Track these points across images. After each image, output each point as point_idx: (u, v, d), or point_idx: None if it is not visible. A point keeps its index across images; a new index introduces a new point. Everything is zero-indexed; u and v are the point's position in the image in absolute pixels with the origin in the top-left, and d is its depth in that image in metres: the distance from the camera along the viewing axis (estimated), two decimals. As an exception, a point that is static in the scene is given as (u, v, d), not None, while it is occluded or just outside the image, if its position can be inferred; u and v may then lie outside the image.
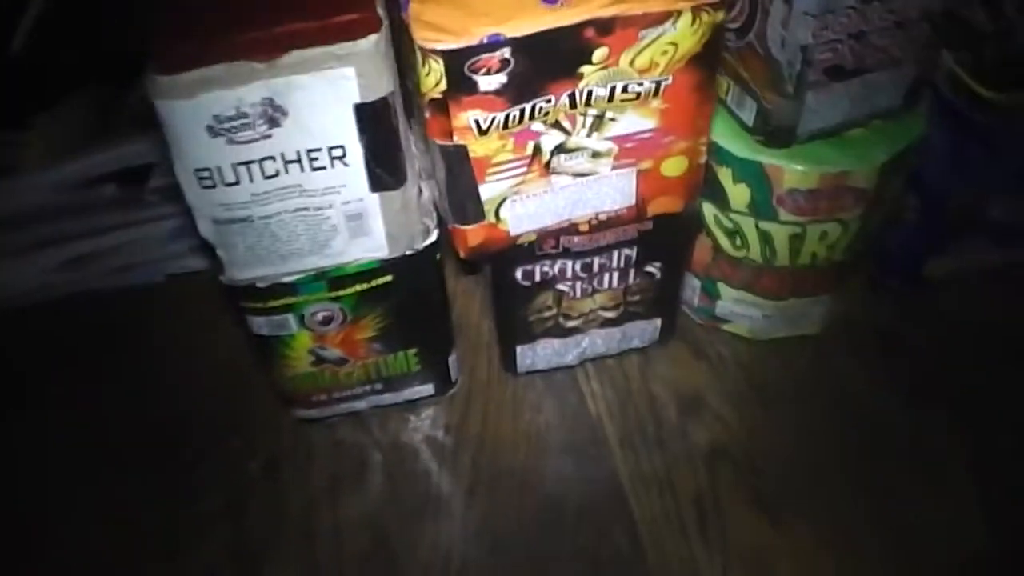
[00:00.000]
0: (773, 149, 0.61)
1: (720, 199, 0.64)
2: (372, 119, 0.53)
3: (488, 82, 0.51)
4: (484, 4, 0.51)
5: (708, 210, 0.65)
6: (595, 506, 0.64)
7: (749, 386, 0.70)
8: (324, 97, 0.51)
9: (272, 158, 0.53)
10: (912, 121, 0.63)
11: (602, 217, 0.60)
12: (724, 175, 0.62)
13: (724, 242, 0.66)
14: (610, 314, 0.68)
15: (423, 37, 0.49)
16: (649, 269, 0.65)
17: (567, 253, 0.62)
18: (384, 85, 0.52)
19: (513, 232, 0.59)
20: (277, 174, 0.54)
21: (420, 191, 0.60)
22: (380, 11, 0.51)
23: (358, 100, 0.52)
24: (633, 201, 0.60)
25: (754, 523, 0.63)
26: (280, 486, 0.65)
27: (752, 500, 0.64)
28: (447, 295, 0.66)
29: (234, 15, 0.50)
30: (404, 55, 0.53)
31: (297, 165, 0.54)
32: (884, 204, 0.64)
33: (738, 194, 0.63)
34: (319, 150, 0.53)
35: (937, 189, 0.68)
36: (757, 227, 0.64)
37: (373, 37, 0.50)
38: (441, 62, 0.49)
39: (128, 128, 0.76)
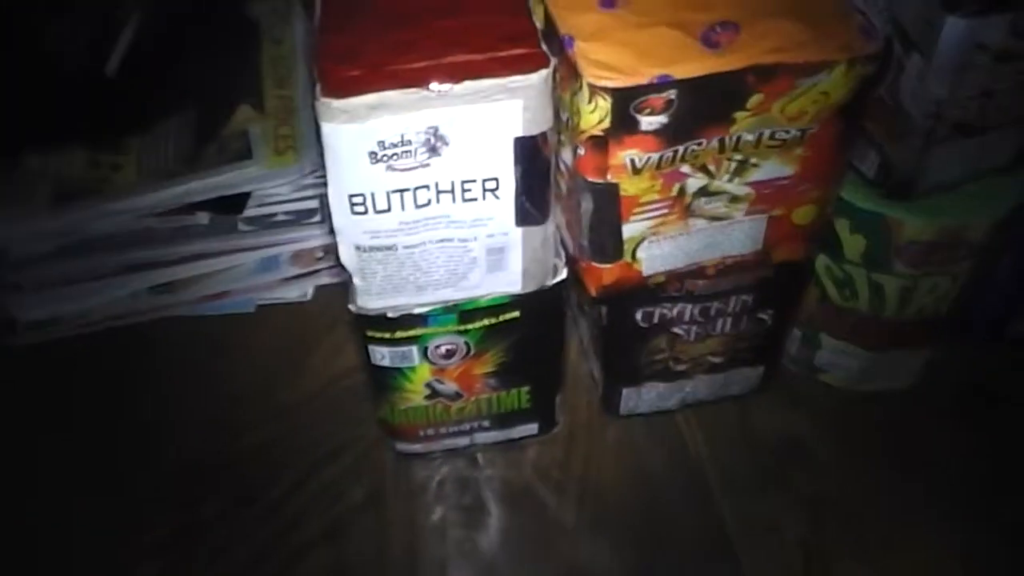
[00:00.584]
0: (893, 201, 0.63)
1: (834, 249, 0.66)
2: (530, 153, 0.54)
3: (649, 122, 0.53)
4: (648, 46, 0.53)
5: (820, 260, 0.67)
6: (701, 550, 0.65)
7: (847, 435, 0.71)
8: (487, 128, 0.53)
9: (427, 187, 0.54)
10: (1021, 178, 0.66)
11: (728, 262, 0.62)
12: (841, 226, 0.65)
13: (833, 292, 0.68)
14: (718, 359, 0.69)
15: (593, 74, 0.52)
16: (762, 316, 0.67)
17: (689, 296, 0.64)
18: (546, 120, 0.54)
19: (646, 272, 0.61)
20: (428, 203, 0.55)
21: (555, 230, 0.61)
22: (545, 48, 0.53)
23: (520, 133, 0.53)
24: (760, 247, 0.62)
25: (858, 572, 0.64)
26: (383, 519, 0.66)
27: (856, 549, 0.65)
28: (565, 335, 0.67)
29: (405, 44, 0.52)
30: (555, 93, 0.55)
31: (449, 195, 0.55)
32: (992, 258, 0.67)
33: (853, 244, 0.65)
34: (473, 181, 0.55)
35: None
36: (869, 278, 0.66)
37: (544, 72, 0.52)
38: (609, 99, 0.52)
39: (224, 155, 0.77)
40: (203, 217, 0.77)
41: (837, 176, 0.60)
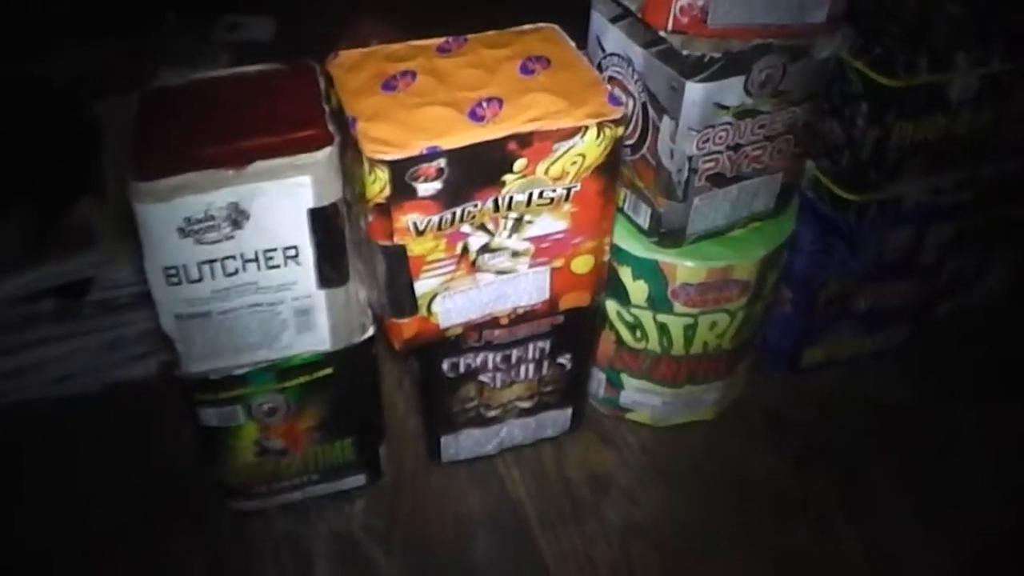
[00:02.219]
0: (666, 248, 0.74)
1: (621, 295, 0.76)
2: (323, 222, 0.64)
3: (425, 188, 0.63)
4: (421, 122, 0.63)
5: (611, 306, 0.77)
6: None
7: (654, 468, 0.81)
8: (282, 202, 0.62)
9: (233, 257, 0.63)
10: (783, 221, 0.77)
11: (520, 311, 0.72)
12: (624, 273, 0.75)
13: (626, 335, 0.78)
14: (526, 404, 0.79)
15: (371, 149, 0.61)
16: (561, 360, 0.77)
17: (489, 346, 0.73)
18: (335, 192, 0.64)
19: (443, 325, 0.70)
20: (236, 272, 0.64)
21: (358, 291, 0.70)
22: (331, 127, 0.63)
23: (312, 205, 0.63)
24: (547, 296, 0.71)
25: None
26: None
27: (665, 572, 0.74)
28: (381, 388, 0.76)
29: (205, 130, 0.62)
30: (347, 167, 0.65)
31: (255, 264, 0.64)
32: (764, 296, 0.77)
33: (637, 290, 0.75)
34: (275, 250, 0.64)
35: (807, 282, 0.83)
36: (655, 319, 0.76)
37: (328, 149, 0.62)
38: (386, 170, 0.61)
39: (67, 243, 0.85)
40: (48, 304, 0.84)
41: (606, 227, 0.70)
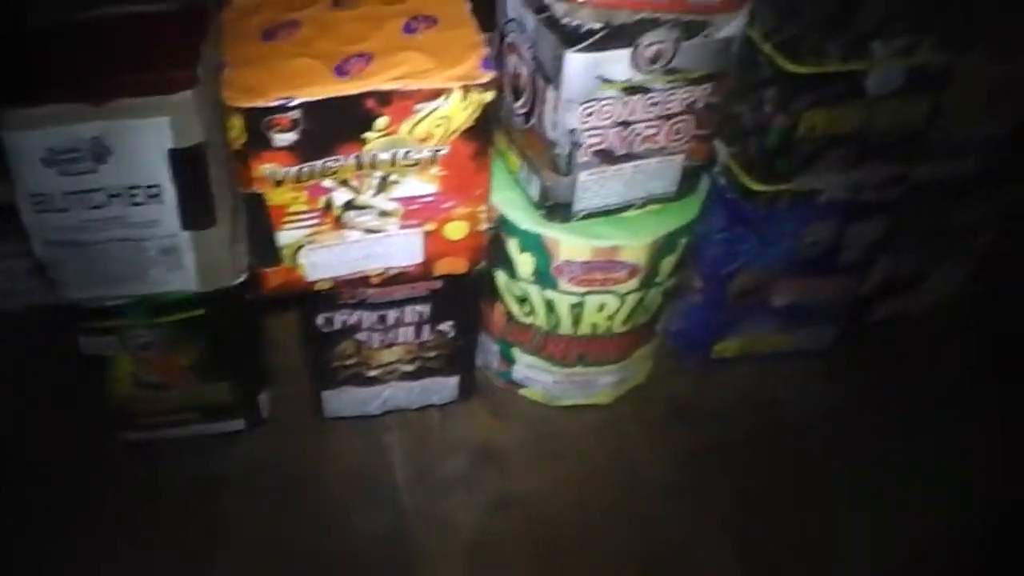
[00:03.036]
0: (553, 223, 0.73)
1: (510, 268, 0.76)
2: (184, 164, 0.65)
3: (281, 139, 0.64)
4: (285, 73, 0.64)
5: (500, 277, 0.77)
6: (376, 542, 0.74)
7: (538, 445, 0.81)
8: (143, 141, 0.64)
9: (98, 190, 0.65)
10: (685, 206, 0.76)
11: (392, 272, 0.72)
12: (512, 245, 0.75)
13: (515, 308, 0.78)
14: (408, 368, 0.79)
15: (227, 96, 0.62)
16: (442, 327, 0.77)
17: (363, 304, 0.74)
18: (196, 135, 0.65)
19: (310, 278, 0.71)
20: (102, 205, 0.66)
21: (235, 235, 0.72)
22: (201, 71, 0.65)
23: (171, 146, 0.64)
24: (420, 260, 0.72)
25: (525, 565, 0.73)
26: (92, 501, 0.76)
27: (529, 545, 0.75)
28: (259, 335, 0.77)
29: (79, 64, 0.64)
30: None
31: (120, 199, 0.66)
32: (659, 282, 0.76)
33: (524, 263, 0.75)
34: (138, 187, 0.66)
35: (716, 271, 0.81)
36: (542, 295, 0.76)
37: (187, 93, 0.63)
38: (241, 118, 0.62)
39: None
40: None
41: (480, 195, 0.70)
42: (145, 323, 0.72)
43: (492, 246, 0.75)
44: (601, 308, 0.76)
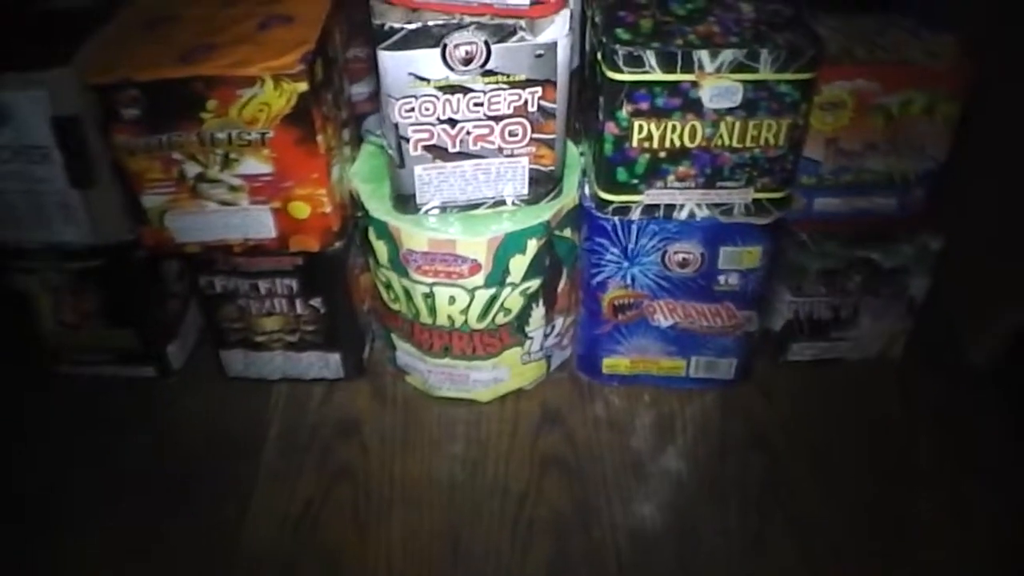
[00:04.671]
0: (402, 214, 0.78)
1: (373, 254, 0.81)
2: (65, 130, 0.77)
3: (128, 113, 0.74)
4: (138, 57, 0.74)
5: (372, 263, 0.83)
6: (217, 498, 0.81)
7: (402, 429, 0.85)
8: (31, 108, 0.76)
9: (3, 148, 0.78)
10: (542, 210, 0.78)
11: (251, 243, 0.80)
12: (371, 231, 0.80)
13: (384, 293, 0.83)
14: (290, 338, 0.86)
15: (86, 73, 0.73)
16: (313, 303, 0.84)
17: (237, 271, 0.82)
18: (73, 106, 0.76)
19: (178, 240, 0.80)
20: (8, 161, 0.79)
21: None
22: (82, 53, 0.76)
23: (53, 114, 0.76)
24: (274, 234, 0.79)
25: (344, 528, 0.78)
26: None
27: (351, 514, 0.79)
28: (159, 289, 0.87)
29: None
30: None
31: (21, 157, 0.78)
32: (513, 283, 0.79)
33: (380, 250, 0.80)
34: (33, 148, 0.78)
35: (587, 282, 0.82)
36: (400, 282, 0.81)
37: (63, 69, 0.75)
38: (95, 93, 0.73)
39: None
40: None
41: (317, 179, 0.77)
42: (54, 268, 0.84)
43: (360, 232, 0.81)
44: (452, 301, 0.80)
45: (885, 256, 0.82)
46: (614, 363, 0.87)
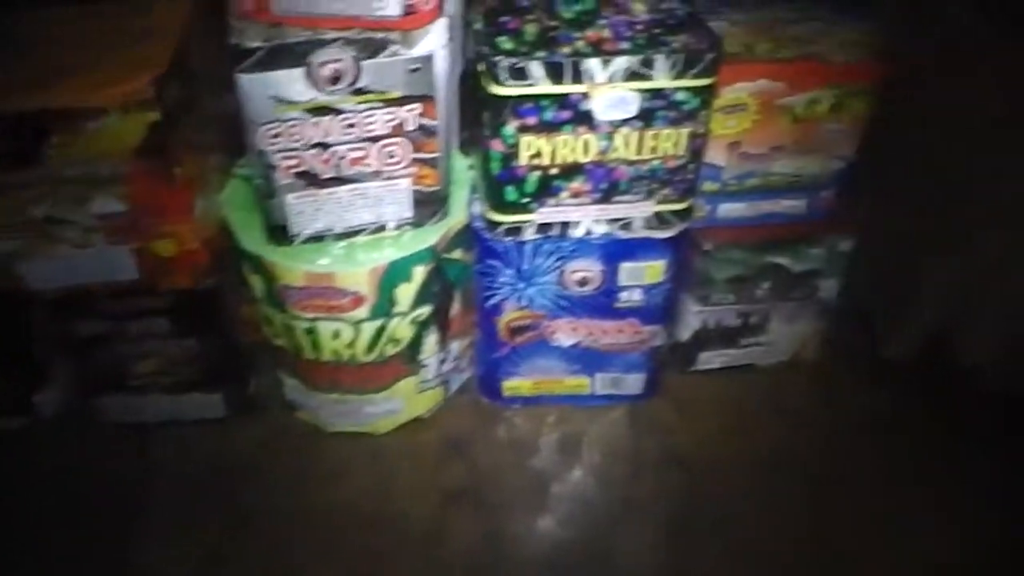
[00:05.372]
0: (279, 246, 0.72)
1: (248, 289, 0.75)
2: None
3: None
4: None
5: (249, 298, 0.76)
6: (110, 538, 0.75)
7: (296, 468, 0.79)
8: None
9: None
10: (425, 234, 0.72)
11: (114, 287, 0.73)
12: (245, 266, 0.73)
13: (266, 329, 0.77)
14: (168, 380, 0.79)
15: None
16: (188, 342, 0.77)
17: (103, 315, 0.75)
18: None
19: (32, 287, 0.72)
20: None
21: None
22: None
23: None
24: (138, 275, 0.72)
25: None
26: None
27: (253, 553, 0.74)
28: (18, 335, 0.79)
29: None
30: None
31: None
32: (403, 312, 0.74)
33: (255, 284, 0.74)
34: None
35: (481, 305, 0.77)
36: (279, 318, 0.74)
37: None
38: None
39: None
40: None
41: (181, 216, 0.70)
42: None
43: (233, 266, 0.74)
44: (336, 335, 0.74)
45: (794, 260, 0.78)
46: (515, 385, 0.82)
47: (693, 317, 0.81)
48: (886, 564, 0.73)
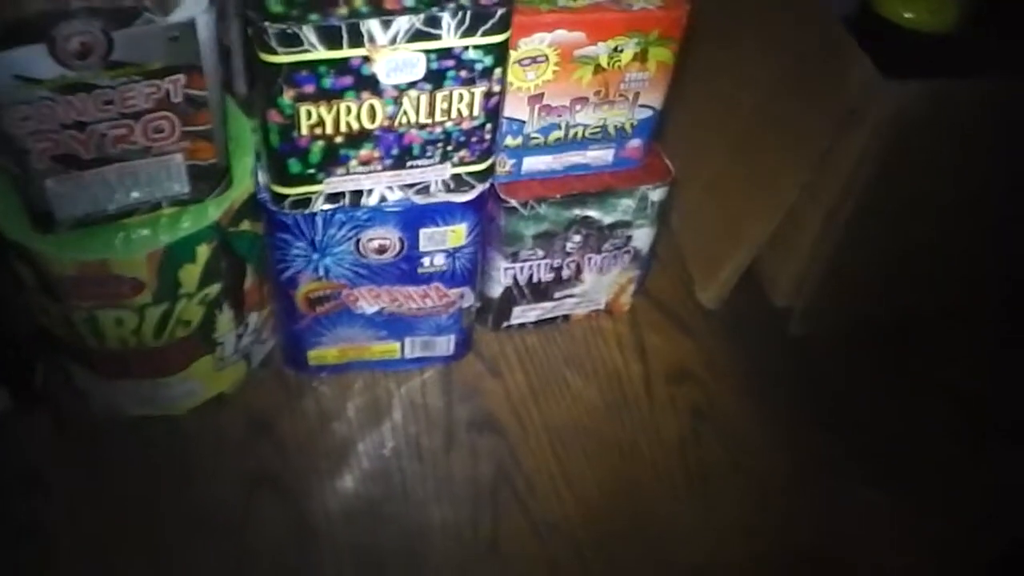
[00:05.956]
0: (43, 234, 0.65)
1: (17, 279, 0.68)
2: None
3: None
4: None
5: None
6: None
7: (90, 460, 0.75)
8: None
9: None
10: (204, 210, 0.67)
11: None
12: (12, 256, 0.66)
13: (45, 321, 0.70)
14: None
15: None
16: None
17: None
18: None
19: None
20: None
21: None
22: None
23: None
24: None
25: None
26: None
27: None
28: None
29: None
30: None
31: None
32: (189, 293, 0.68)
33: (26, 275, 0.67)
34: None
35: (276, 279, 0.72)
36: (55, 307, 0.68)
37: None
38: None
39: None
40: None
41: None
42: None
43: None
44: (120, 323, 0.68)
45: (604, 212, 0.75)
46: (320, 355, 0.78)
47: (503, 274, 0.78)
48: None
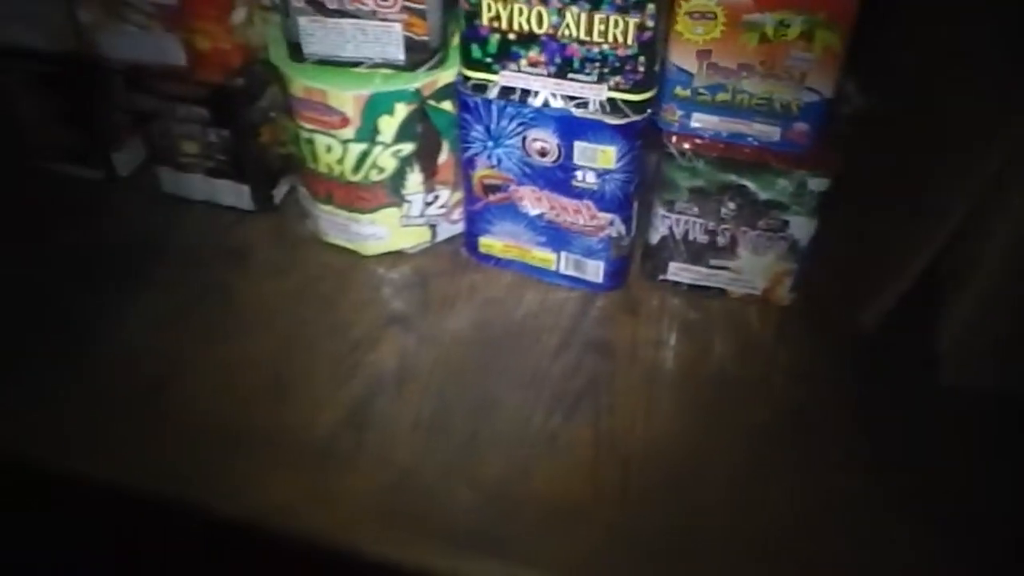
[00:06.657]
0: (291, 60, 0.82)
1: (272, 96, 0.86)
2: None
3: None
4: None
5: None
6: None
7: (284, 264, 0.91)
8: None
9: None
10: (414, 77, 0.81)
11: (168, 69, 0.86)
12: (271, 75, 0.85)
13: (283, 137, 0.88)
14: (208, 164, 0.92)
15: None
16: (223, 132, 0.89)
17: (157, 94, 0.89)
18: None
19: (107, 55, 0.87)
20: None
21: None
22: None
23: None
24: (183, 62, 0.85)
25: (197, 338, 0.85)
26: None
27: (212, 324, 0.86)
28: (103, 97, 0.95)
29: None
30: None
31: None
32: (386, 142, 0.83)
33: (278, 93, 0.85)
34: None
35: (460, 156, 0.85)
36: (290, 126, 0.85)
37: None
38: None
39: None
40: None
41: (214, 15, 0.82)
42: (21, 68, 0.93)
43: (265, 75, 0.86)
44: (328, 149, 0.84)
45: (760, 186, 0.79)
46: (489, 243, 0.89)
47: (660, 221, 0.84)
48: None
